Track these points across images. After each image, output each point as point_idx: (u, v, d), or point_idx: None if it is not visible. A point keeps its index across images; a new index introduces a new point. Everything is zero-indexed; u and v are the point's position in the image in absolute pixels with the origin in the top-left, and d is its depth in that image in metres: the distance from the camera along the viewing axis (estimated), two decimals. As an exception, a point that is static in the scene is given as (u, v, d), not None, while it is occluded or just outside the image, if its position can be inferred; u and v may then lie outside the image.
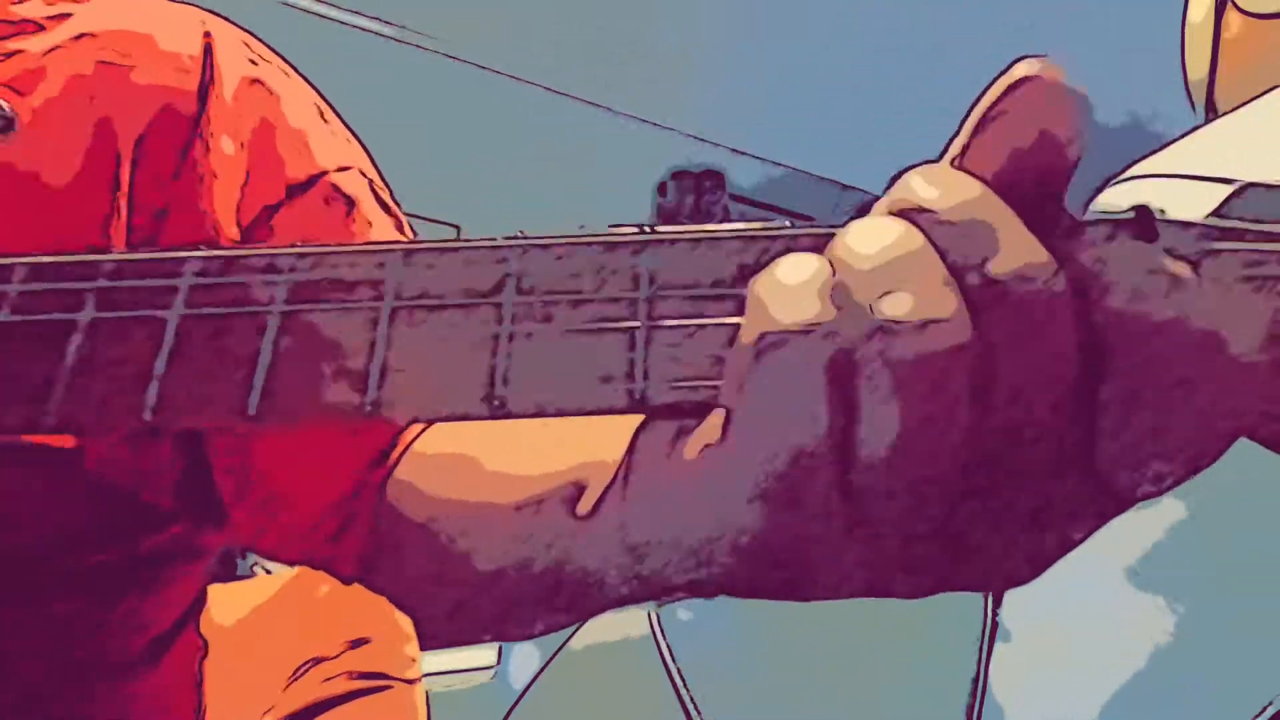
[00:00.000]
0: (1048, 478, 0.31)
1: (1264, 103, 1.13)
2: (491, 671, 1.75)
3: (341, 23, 3.38)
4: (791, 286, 0.32)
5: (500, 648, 1.71)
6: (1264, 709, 1.01)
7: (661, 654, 1.38)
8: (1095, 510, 0.32)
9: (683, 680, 1.35)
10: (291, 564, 0.64)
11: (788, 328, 0.31)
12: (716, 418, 0.33)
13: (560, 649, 1.53)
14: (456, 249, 0.35)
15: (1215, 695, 1.05)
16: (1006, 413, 0.30)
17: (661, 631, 1.40)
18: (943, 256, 0.31)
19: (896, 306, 0.30)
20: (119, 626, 0.66)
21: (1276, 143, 1.03)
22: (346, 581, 0.59)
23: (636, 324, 0.33)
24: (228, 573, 2.67)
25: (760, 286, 0.32)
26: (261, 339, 0.34)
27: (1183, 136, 1.10)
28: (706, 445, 0.33)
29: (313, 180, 0.62)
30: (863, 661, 1.24)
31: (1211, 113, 1.55)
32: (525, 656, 1.60)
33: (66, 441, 0.58)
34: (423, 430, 0.57)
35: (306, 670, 1.14)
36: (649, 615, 1.43)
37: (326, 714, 1.13)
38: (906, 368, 0.30)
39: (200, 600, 0.74)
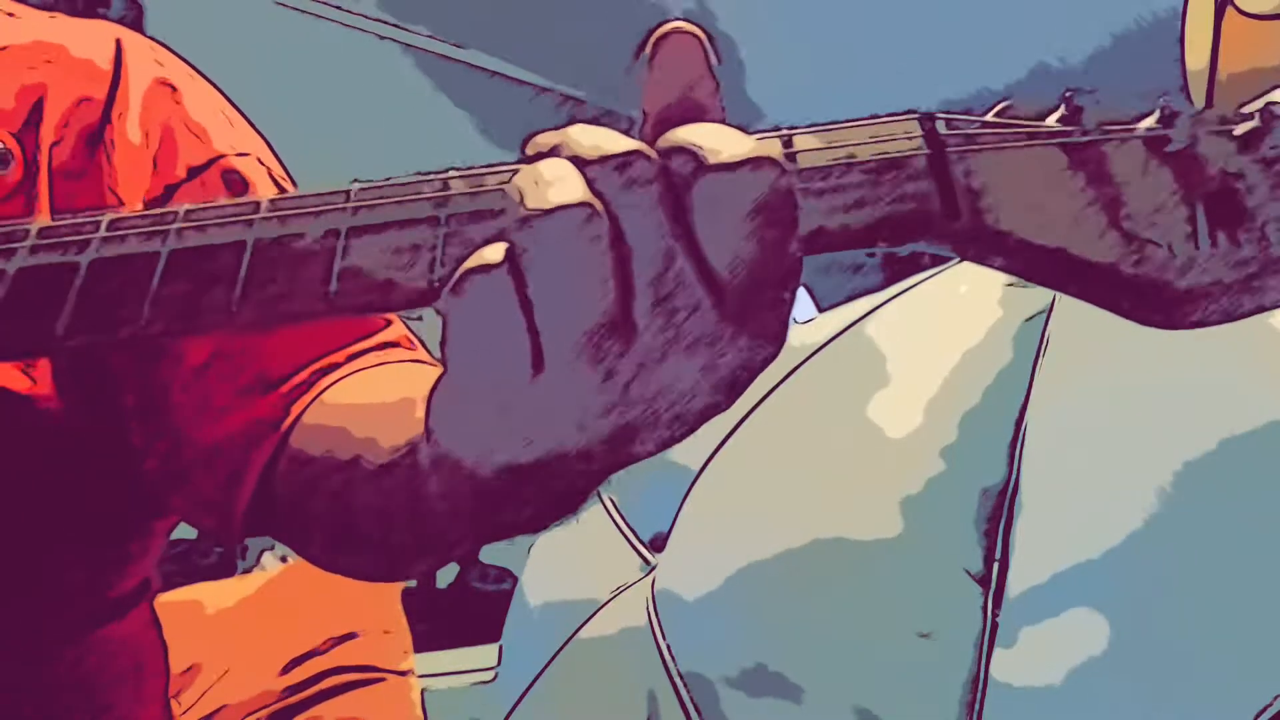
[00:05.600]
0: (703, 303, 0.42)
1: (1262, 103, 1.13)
2: (492, 672, 1.75)
3: (340, 23, 3.39)
4: (544, 180, 0.42)
5: (500, 648, 1.71)
6: (1265, 707, 1.02)
7: (661, 651, 1.39)
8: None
9: (682, 679, 1.36)
10: (199, 526, 0.72)
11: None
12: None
13: (561, 649, 1.53)
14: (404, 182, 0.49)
15: (1217, 691, 1.05)
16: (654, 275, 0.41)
17: (661, 630, 1.40)
18: (580, 166, 0.42)
19: (559, 197, 0.41)
20: (78, 584, 0.70)
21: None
22: (231, 544, 0.64)
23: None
24: (226, 573, 2.67)
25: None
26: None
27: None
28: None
29: (211, 162, 0.70)
30: (863, 660, 1.24)
31: (1211, 113, 1.55)
32: (525, 656, 1.61)
33: (21, 385, 0.64)
34: (328, 386, 0.64)
35: (299, 663, 1.15)
36: (648, 614, 1.43)
37: (319, 706, 1.13)
38: (546, 250, 0.41)
39: (151, 582, 0.78)
